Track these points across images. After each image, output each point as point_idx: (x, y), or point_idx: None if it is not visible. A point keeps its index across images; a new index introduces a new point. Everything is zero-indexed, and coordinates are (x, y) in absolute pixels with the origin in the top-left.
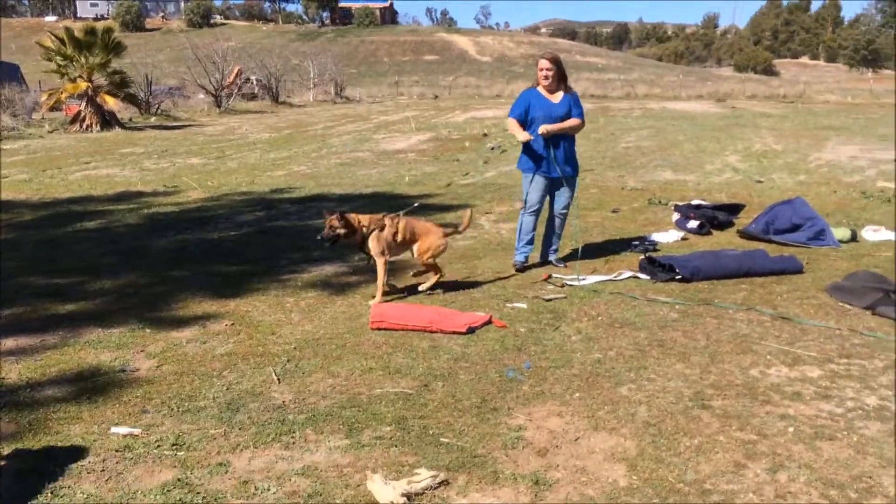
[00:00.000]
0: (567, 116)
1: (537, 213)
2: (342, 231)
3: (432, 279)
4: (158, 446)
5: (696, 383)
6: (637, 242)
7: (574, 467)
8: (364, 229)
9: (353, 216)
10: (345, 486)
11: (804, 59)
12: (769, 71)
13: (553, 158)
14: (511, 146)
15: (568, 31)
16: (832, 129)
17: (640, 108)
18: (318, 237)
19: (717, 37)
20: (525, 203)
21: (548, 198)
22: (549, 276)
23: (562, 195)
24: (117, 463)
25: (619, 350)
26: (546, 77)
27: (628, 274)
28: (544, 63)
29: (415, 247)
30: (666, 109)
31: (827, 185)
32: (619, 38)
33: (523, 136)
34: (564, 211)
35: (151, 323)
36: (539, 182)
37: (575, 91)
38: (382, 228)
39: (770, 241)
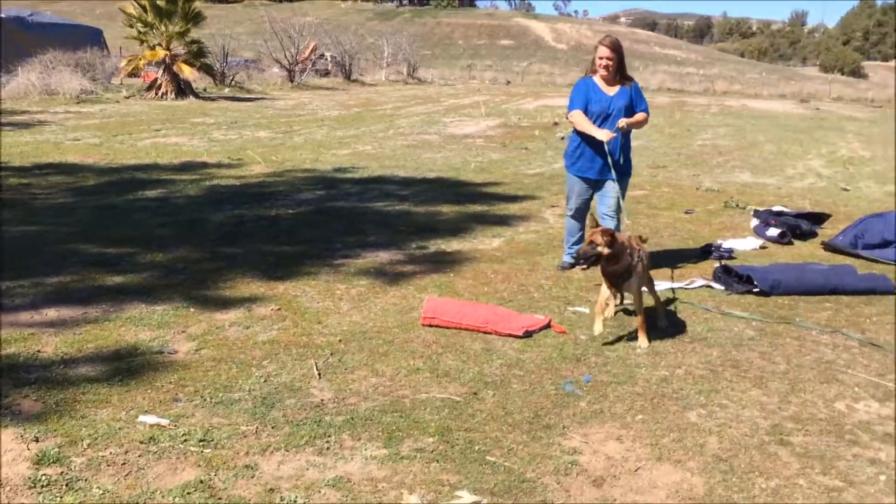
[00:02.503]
0: (627, 110)
1: (581, 216)
2: (606, 251)
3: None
4: (185, 440)
5: (774, 414)
6: (711, 248)
7: None
8: (630, 256)
9: (621, 236)
10: None
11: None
12: (857, 73)
13: (612, 159)
14: None
15: (648, 22)
16: None
17: (719, 105)
18: (573, 256)
19: (804, 35)
20: (567, 205)
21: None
22: None
23: (607, 195)
24: (140, 456)
25: (689, 368)
26: (606, 67)
27: (701, 282)
28: (604, 51)
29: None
30: (746, 107)
31: None
32: (701, 31)
33: (604, 133)
34: (612, 213)
35: (197, 301)
36: (582, 185)
37: (635, 81)
38: (636, 263)
39: (857, 256)
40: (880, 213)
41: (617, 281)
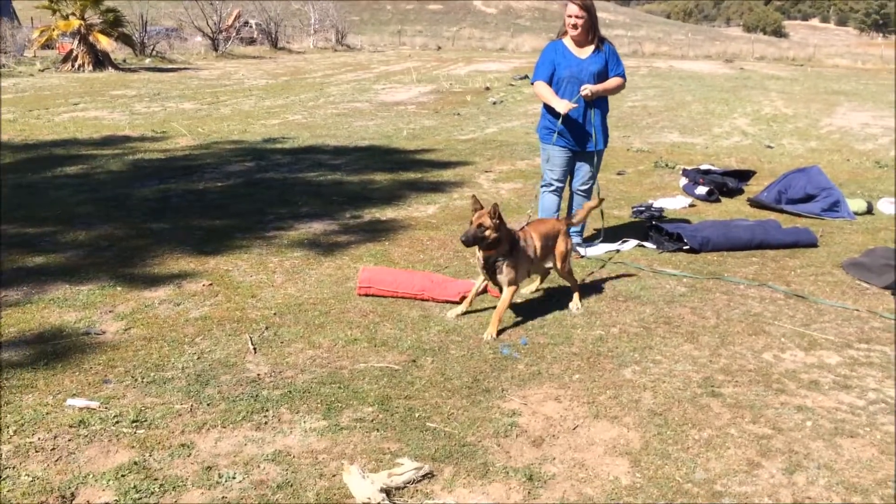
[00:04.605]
0: (601, 75)
1: (560, 190)
2: (493, 235)
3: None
4: (117, 422)
5: (706, 367)
6: (643, 208)
7: (572, 461)
8: (510, 245)
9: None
10: (318, 476)
11: (814, 22)
12: (778, 32)
13: (592, 128)
14: (514, 101)
15: None
16: (843, 94)
17: (647, 67)
18: (462, 237)
19: None
20: (544, 178)
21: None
22: None
23: (582, 169)
24: (70, 441)
25: (623, 327)
26: (575, 26)
27: (633, 242)
28: (573, 9)
29: (555, 254)
30: (673, 69)
31: (839, 153)
32: None
33: (563, 105)
34: (586, 187)
35: (124, 280)
36: (562, 156)
37: (609, 42)
38: (516, 250)
39: (782, 211)
40: (802, 168)
41: (489, 269)
